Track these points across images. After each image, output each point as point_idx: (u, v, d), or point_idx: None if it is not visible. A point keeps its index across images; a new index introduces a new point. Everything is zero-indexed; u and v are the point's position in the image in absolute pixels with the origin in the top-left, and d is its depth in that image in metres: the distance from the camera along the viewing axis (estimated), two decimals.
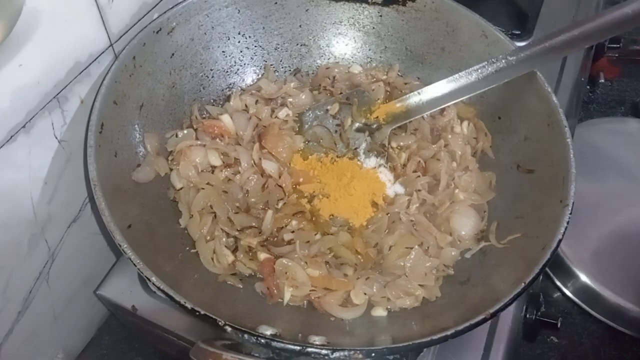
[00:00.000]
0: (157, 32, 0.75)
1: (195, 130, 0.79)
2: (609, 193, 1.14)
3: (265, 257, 0.71)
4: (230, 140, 0.80)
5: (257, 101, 0.85)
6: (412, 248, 0.71)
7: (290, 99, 0.86)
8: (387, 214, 0.76)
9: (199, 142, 0.77)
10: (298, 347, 0.54)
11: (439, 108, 0.80)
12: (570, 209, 0.65)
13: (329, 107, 0.84)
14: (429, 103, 0.78)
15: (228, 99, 0.86)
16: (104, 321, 0.87)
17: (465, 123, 0.85)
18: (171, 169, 0.76)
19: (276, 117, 0.84)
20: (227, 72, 0.87)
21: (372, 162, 0.83)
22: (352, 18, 0.90)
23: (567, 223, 0.64)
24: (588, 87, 1.45)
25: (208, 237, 0.71)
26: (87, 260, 0.78)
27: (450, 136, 0.83)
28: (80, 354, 0.84)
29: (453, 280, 0.71)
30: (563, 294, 1.09)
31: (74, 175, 0.70)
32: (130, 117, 0.72)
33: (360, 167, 0.82)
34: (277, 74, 0.91)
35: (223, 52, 0.85)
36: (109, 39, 0.68)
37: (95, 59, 0.67)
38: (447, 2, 0.84)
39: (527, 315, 0.85)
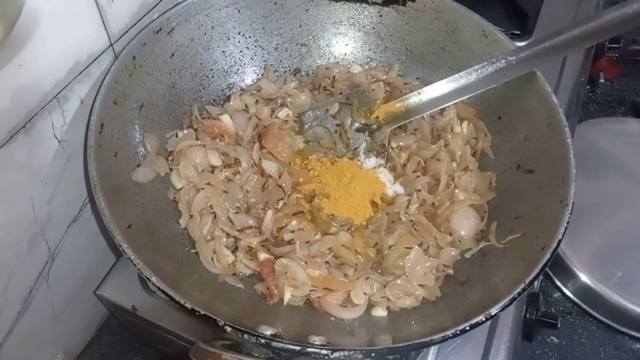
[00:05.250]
0: (157, 32, 0.75)
1: (195, 130, 0.79)
2: (609, 193, 1.14)
3: (265, 257, 0.71)
4: (230, 140, 0.80)
5: (257, 101, 0.84)
6: (411, 248, 0.71)
7: (290, 99, 0.86)
8: (387, 213, 0.76)
9: (199, 142, 0.77)
10: (298, 347, 0.54)
11: (439, 108, 0.80)
12: (570, 209, 0.65)
13: (328, 107, 0.84)
14: (429, 103, 0.78)
15: (228, 99, 0.86)
16: (104, 321, 0.87)
17: (465, 123, 0.85)
18: (171, 169, 0.76)
19: (276, 117, 0.84)
20: (227, 72, 0.87)
21: (372, 162, 0.83)
22: (352, 18, 0.90)
23: (567, 223, 0.64)
24: (588, 87, 1.45)
25: (208, 237, 0.71)
26: (87, 260, 0.78)
27: (450, 136, 0.83)
28: (80, 354, 0.84)
29: (453, 280, 0.71)
30: (563, 294, 1.09)
31: (74, 175, 0.70)
32: (130, 117, 0.72)
33: (360, 167, 0.82)
34: (277, 74, 0.91)
35: (223, 52, 0.85)
36: (109, 39, 0.68)
37: (95, 59, 0.67)
38: (447, 2, 0.84)
39: (527, 315, 0.85)
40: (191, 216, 0.72)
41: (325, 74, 0.91)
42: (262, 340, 0.54)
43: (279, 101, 0.86)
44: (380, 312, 0.68)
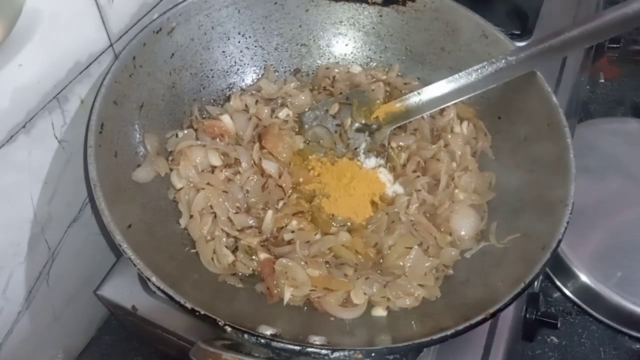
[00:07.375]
0: (157, 32, 0.75)
1: (196, 130, 0.79)
2: (609, 193, 1.14)
3: (265, 257, 0.71)
4: (230, 140, 0.80)
5: (257, 101, 0.84)
6: (411, 248, 0.71)
7: (290, 99, 0.86)
8: (387, 213, 0.76)
9: (199, 142, 0.77)
10: (298, 347, 0.54)
11: (439, 108, 0.80)
12: (570, 209, 0.65)
13: (328, 107, 0.84)
14: (429, 103, 0.78)
15: (228, 99, 0.86)
16: (104, 321, 0.87)
17: (465, 123, 0.85)
18: (171, 169, 0.76)
19: (276, 117, 0.84)
20: (227, 72, 0.87)
21: (372, 162, 0.83)
22: (352, 18, 0.90)
23: (567, 223, 0.64)
24: (588, 87, 1.45)
25: (208, 237, 0.71)
26: (87, 260, 0.78)
27: (450, 136, 0.83)
28: (80, 354, 0.84)
29: (453, 280, 0.71)
30: (563, 294, 1.09)
31: (74, 175, 0.70)
32: (130, 117, 0.72)
33: (360, 167, 0.82)
34: (277, 74, 0.91)
35: (223, 52, 0.85)
36: (109, 39, 0.69)
37: (95, 59, 0.67)
38: (447, 2, 0.84)
39: (527, 315, 0.85)
40: (191, 216, 0.72)
41: (325, 74, 0.90)
42: (262, 340, 0.54)
43: (279, 101, 0.86)
44: (380, 312, 0.68)
